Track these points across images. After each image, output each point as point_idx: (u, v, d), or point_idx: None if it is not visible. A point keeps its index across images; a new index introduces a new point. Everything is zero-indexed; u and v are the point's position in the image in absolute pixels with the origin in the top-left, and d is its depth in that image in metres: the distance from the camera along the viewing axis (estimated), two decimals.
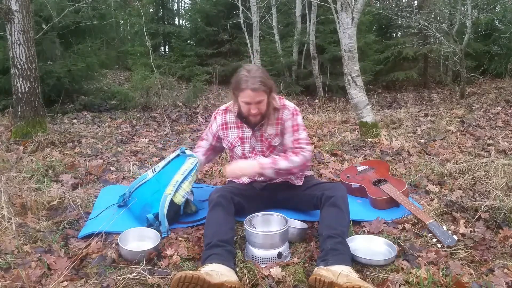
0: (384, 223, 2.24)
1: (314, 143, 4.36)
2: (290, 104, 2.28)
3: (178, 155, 2.42)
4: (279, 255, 1.88)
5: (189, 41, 11.67)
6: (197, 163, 2.33)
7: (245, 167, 2.18)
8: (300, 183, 2.29)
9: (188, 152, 2.38)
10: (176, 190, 2.22)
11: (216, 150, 2.56)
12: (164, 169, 2.40)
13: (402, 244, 1.99)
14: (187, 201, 2.32)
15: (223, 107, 2.41)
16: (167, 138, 4.81)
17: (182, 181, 2.25)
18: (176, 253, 1.92)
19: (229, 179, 2.49)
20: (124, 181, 3.05)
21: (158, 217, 2.15)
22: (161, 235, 2.09)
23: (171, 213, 2.20)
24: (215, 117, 2.42)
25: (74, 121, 5.40)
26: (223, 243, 1.82)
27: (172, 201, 2.19)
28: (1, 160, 3.31)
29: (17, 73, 3.96)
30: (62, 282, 1.70)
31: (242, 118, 2.26)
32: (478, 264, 1.86)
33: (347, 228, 1.97)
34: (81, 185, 2.93)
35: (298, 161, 2.15)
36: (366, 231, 2.18)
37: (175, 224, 2.25)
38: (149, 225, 2.15)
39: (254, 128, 2.27)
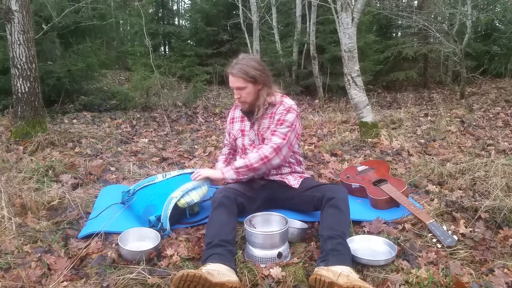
0: (384, 223, 2.24)
1: (314, 143, 4.36)
2: (288, 101, 2.28)
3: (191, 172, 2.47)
4: (279, 255, 1.88)
5: (189, 41, 11.67)
6: (209, 182, 2.39)
7: (210, 174, 2.29)
8: (296, 186, 2.27)
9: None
10: (183, 196, 2.23)
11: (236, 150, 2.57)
12: (176, 177, 2.43)
13: (402, 244, 1.99)
14: (190, 207, 2.33)
15: (235, 103, 2.47)
16: (167, 138, 4.81)
17: (191, 190, 2.28)
18: (176, 253, 1.92)
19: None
20: (124, 181, 3.05)
21: (160, 219, 2.15)
22: (162, 236, 2.09)
23: (175, 216, 2.21)
24: (229, 113, 2.55)
25: (74, 121, 5.40)
26: (224, 243, 1.83)
27: (176, 205, 2.19)
28: (1, 160, 3.31)
29: (17, 73, 3.96)
30: (62, 282, 1.70)
31: (244, 111, 2.36)
32: (478, 264, 1.86)
33: (348, 229, 1.98)
34: (81, 185, 2.93)
35: (255, 156, 2.17)
36: (366, 231, 2.18)
37: (176, 224, 2.25)
38: (151, 227, 2.15)
39: (251, 121, 2.34)
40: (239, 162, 2.20)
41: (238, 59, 2.22)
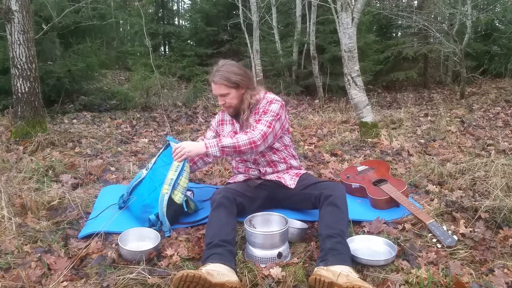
0: (384, 223, 2.24)
1: (314, 143, 4.36)
2: (270, 96, 2.30)
3: (166, 147, 2.35)
4: (279, 255, 1.88)
5: (189, 41, 11.68)
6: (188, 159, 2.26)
7: (191, 147, 2.13)
8: (292, 186, 2.27)
9: (175, 140, 2.29)
10: (174, 188, 2.18)
11: None
12: (155, 164, 2.34)
13: (402, 244, 1.99)
14: (186, 200, 2.30)
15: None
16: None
17: (177, 178, 2.19)
18: (176, 253, 1.92)
19: (228, 180, 2.50)
20: (124, 181, 3.05)
21: (159, 217, 2.14)
22: (163, 235, 2.09)
23: (171, 212, 2.18)
24: (214, 117, 2.55)
25: (74, 121, 5.41)
26: (224, 243, 1.82)
27: (172, 200, 2.17)
28: (1, 160, 3.31)
29: (17, 73, 3.96)
30: (62, 282, 1.70)
31: (231, 115, 2.38)
32: (478, 264, 1.86)
33: (347, 227, 1.97)
34: (81, 185, 2.93)
35: (244, 138, 2.10)
36: (366, 231, 2.18)
37: (176, 224, 2.24)
38: (151, 226, 2.14)
39: (240, 123, 2.34)
40: (227, 140, 2.10)
41: (218, 66, 2.22)
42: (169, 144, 2.33)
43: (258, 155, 2.33)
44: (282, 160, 2.36)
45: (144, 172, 2.40)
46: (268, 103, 2.24)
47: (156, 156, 2.39)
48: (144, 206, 2.22)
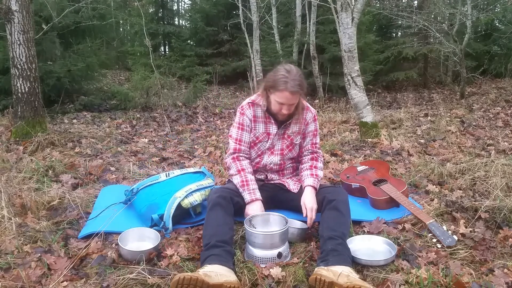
0: (384, 223, 2.24)
1: None
2: (312, 108, 2.37)
3: (198, 172, 2.51)
4: (279, 255, 1.88)
5: (189, 41, 11.67)
6: (213, 185, 2.43)
7: (314, 203, 2.13)
8: (295, 191, 2.28)
9: (210, 175, 2.52)
10: (187, 196, 2.27)
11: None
12: (179, 176, 2.46)
13: (402, 244, 1.99)
14: (193, 207, 2.33)
15: (247, 100, 2.29)
16: (167, 138, 4.81)
17: (195, 191, 2.32)
18: (176, 253, 1.92)
19: (228, 179, 2.50)
20: (124, 181, 3.05)
21: (163, 217, 2.16)
22: (163, 235, 2.10)
23: (178, 216, 2.23)
24: (243, 113, 2.27)
25: (74, 121, 5.41)
26: (222, 244, 1.82)
27: (179, 205, 2.22)
28: (1, 160, 3.31)
29: (17, 73, 3.96)
30: (62, 282, 1.70)
31: (271, 113, 2.25)
32: (478, 264, 1.86)
33: (348, 230, 1.98)
34: (81, 185, 2.93)
35: (322, 166, 2.36)
36: (366, 231, 2.18)
37: (177, 224, 2.25)
38: (153, 225, 2.16)
39: (280, 125, 2.27)
40: (320, 173, 2.30)
41: (291, 75, 2.05)
42: (201, 172, 2.53)
43: (276, 165, 2.34)
44: (290, 170, 2.41)
45: (162, 176, 2.47)
46: (314, 120, 2.35)
47: (183, 172, 2.52)
48: (151, 205, 2.26)
